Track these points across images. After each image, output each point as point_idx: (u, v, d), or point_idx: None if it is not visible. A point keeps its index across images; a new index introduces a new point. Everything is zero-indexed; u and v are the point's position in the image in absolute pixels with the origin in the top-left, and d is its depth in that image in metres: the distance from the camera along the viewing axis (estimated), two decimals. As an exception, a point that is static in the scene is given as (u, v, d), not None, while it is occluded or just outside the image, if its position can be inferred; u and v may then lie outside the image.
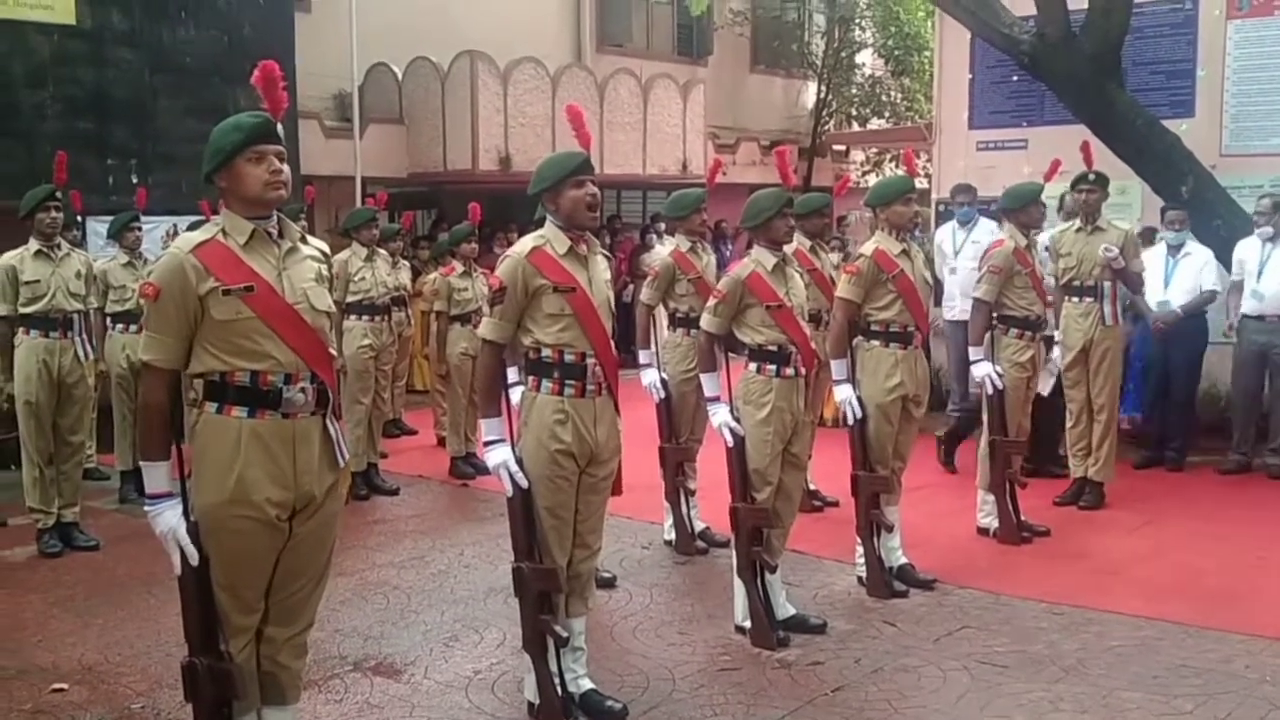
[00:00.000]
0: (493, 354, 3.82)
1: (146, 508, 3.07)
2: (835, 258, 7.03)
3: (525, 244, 3.79)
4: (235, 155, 3.04)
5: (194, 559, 3.02)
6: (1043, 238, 6.58)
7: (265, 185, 3.05)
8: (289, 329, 3.08)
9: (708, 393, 4.76)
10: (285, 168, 3.10)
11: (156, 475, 3.06)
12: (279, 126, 3.11)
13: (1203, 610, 4.90)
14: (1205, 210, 7.78)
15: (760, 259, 4.64)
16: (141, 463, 3.13)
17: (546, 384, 3.77)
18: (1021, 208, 6.06)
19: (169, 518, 3.03)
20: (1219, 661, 4.37)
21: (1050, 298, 6.26)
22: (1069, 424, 6.74)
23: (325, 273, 3.27)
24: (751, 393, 4.61)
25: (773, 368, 4.60)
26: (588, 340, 3.77)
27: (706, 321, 4.72)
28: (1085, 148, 6.58)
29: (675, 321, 5.98)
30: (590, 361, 3.78)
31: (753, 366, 4.64)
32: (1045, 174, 6.26)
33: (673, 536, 5.96)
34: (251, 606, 3.15)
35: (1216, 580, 5.35)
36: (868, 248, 5.25)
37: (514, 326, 3.78)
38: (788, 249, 4.79)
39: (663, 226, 12.53)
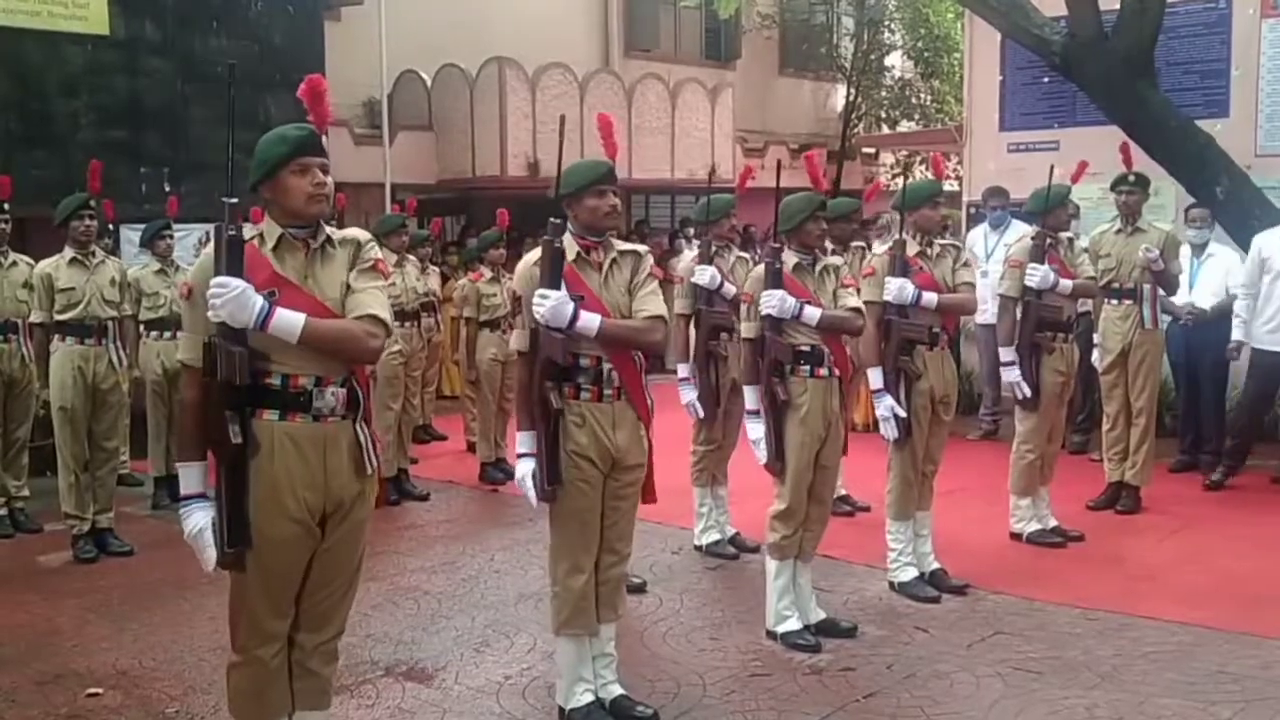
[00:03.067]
0: (524, 365, 3.81)
1: (180, 510, 3.11)
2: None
3: (536, 251, 3.79)
4: (280, 167, 3.07)
5: (209, 565, 3.06)
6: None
7: (309, 198, 3.08)
8: None
9: (749, 405, 4.72)
10: (328, 180, 3.12)
11: (191, 476, 3.10)
12: (323, 139, 3.14)
13: (1240, 615, 4.84)
14: (1241, 211, 7.67)
15: (785, 259, 4.63)
16: (178, 464, 3.19)
17: (564, 388, 3.75)
18: (1048, 209, 6.00)
19: (198, 518, 3.06)
20: (1258, 668, 4.31)
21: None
22: (1105, 427, 6.68)
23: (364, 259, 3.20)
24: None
25: (806, 368, 4.58)
26: (600, 346, 3.76)
27: (747, 329, 4.68)
28: (1124, 148, 6.52)
29: (704, 327, 5.95)
30: (606, 367, 3.76)
31: (786, 368, 4.62)
32: (1072, 175, 6.20)
33: (703, 542, 5.95)
34: (284, 612, 3.16)
35: (1254, 585, 5.28)
36: (883, 247, 5.23)
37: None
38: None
39: (691, 231, 12.53)
